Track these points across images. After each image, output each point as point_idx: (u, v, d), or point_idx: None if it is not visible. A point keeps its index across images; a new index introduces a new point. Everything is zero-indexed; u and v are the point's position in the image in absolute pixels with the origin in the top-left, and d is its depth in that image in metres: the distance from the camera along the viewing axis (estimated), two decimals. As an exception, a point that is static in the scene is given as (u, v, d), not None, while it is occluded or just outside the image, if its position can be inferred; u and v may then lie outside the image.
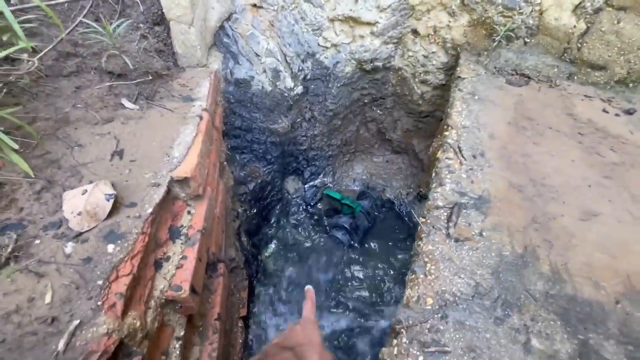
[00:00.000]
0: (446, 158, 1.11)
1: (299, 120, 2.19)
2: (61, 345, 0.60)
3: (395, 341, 0.64)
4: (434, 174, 1.07)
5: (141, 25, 1.58)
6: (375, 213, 2.32)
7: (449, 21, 1.87)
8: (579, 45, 1.55)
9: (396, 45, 2.11)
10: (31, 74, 1.13)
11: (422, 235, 0.85)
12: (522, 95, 1.50)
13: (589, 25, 1.50)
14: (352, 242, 2.14)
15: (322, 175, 2.44)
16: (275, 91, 2.00)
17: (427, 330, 0.65)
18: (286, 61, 2.05)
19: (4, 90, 1.01)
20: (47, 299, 0.67)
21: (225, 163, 1.77)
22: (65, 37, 1.30)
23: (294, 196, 2.36)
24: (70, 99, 1.17)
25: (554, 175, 1.05)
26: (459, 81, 1.63)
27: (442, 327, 0.65)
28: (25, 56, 1.17)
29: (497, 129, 1.26)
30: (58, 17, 1.38)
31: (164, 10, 1.49)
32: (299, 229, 2.23)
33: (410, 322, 0.66)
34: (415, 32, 2.02)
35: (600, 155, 1.15)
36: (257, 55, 1.97)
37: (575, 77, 1.59)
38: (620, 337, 0.65)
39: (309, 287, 0.88)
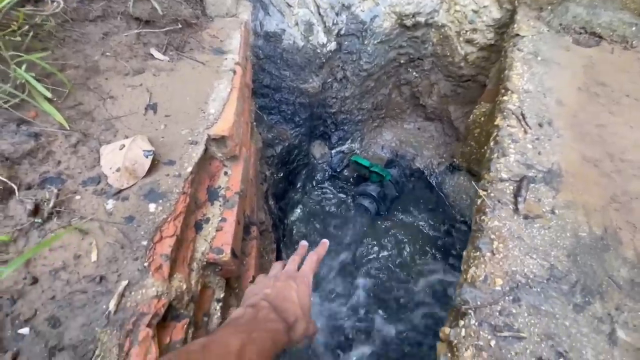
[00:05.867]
0: (508, 126, 0.99)
1: (330, 80, 2.05)
2: (112, 305, 0.58)
3: (462, 322, 0.59)
4: (493, 143, 0.97)
5: (167, -34, 1.43)
6: (404, 182, 2.24)
7: (509, -31, 1.63)
8: (668, -1, 1.33)
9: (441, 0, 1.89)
10: (56, 17, 1.04)
11: (486, 209, 0.77)
12: (593, 58, 1.32)
13: (685, -27, 1.27)
14: (379, 211, 2.08)
15: (349, 141, 2.34)
16: (307, 47, 1.85)
17: (497, 313, 0.59)
18: (319, 13, 1.88)
19: (30, 33, 0.93)
20: (93, 257, 0.64)
21: (254, 124, 1.69)
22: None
23: (320, 161, 2.29)
24: (99, 46, 1.08)
25: (635, 150, 0.93)
26: (517, 40, 1.44)
27: (514, 311, 0.60)
28: (49, -4, 1.07)
29: (566, 94, 1.11)
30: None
31: (192, -51, 1.34)
32: (325, 195, 2.18)
33: (479, 302, 0.60)
34: (466, -18, 1.79)
35: (688, 129, 1.01)
36: (289, 5, 1.80)
37: (657, 38, 1.38)
38: None
39: (324, 241, 0.84)
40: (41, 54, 0.86)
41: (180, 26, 1.30)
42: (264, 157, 1.87)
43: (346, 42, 1.97)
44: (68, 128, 0.82)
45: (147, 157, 0.80)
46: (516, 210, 0.75)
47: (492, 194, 0.80)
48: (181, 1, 1.41)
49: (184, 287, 0.69)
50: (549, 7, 1.58)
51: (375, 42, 1.98)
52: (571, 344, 0.56)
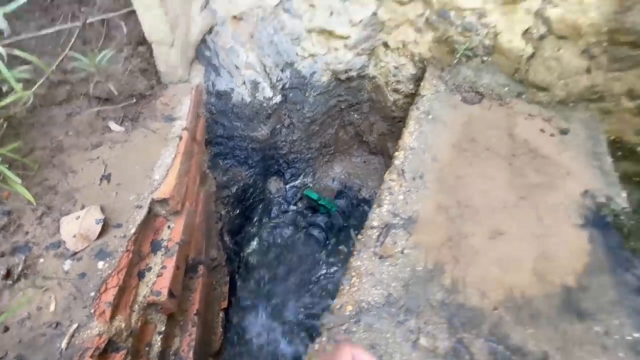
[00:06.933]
0: (390, 180, 1.29)
1: (278, 127, 2.35)
2: (64, 344, 0.80)
3: (317, 339, 0.85)
4: (377, 194, 1.26)
5: (125, 46, 1.71)
6: (351, 211, 2.52)
7: (416, 37, 2.00)
8: (527, 67, 1.69)
9: (369, 56, 2.24)
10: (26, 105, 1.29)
11: (355, 252, 1.04)
12: (473, 115, 1.66)
13: (535, 49, 1.64)
14: (327, 240, 2.35)
15: (302, 176, 2.62)
16: (255, 101, 2.14)
17: (342, 332, 0.85)
18: (265, 71, 2.19)
19: (5, 125, 1.17)
20: (52, 308, 0.87)
21: (207, 171, 1.94)
22: (55, 66, 1.44)
23: (276, 196, 2.55)
24: (63, 126, 1.33)
25: (478, 197, 1.23)
26: (418, 99, 1.78)
27: (354, 329, 0.86)
28: (20, 87, 1.31)
29: (441, 151, 1.43)
30: (48, 44, 1.53)
31: (145, 34, 1.62)
32: (280, 226, 2.43)
33: (331, 325, 0.86)
34: (386, 44, 2.14)
35: (525, 176, 1.33)
36: (237, 67, 2.10)
37: (523, 96, 1.74)
38: (489, 336, 0.85)
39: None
40: (12, 146, 1.09)
41: (135, 100, 1.56)
42: (220, 198, 2.12)
43: (291, 94, 2.28)
44: (35, 203, 1.06)
45: (98, 224, 1.04)
46: (375, 252, 1.03)
47: (362, 239, 1.08)
48: (138, 75, 1.68)
49: (123, 325, 0.92)
50: (448, 68, 1.94)
51: (316, 93, 2.30)
52: (386, 350, 0.82)
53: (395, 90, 2.32)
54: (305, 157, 2.57)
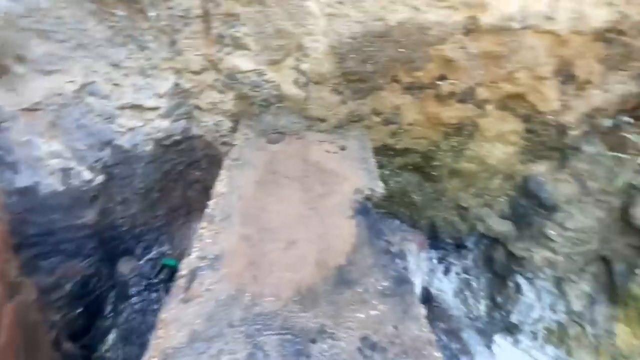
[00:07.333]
0: (201, 228, 1.43)
1: (110, 205, 2.25)
2: None
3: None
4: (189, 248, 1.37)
5: None
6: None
7: (221, 97, 2.29)
8: (307, 106, 2.16)
9: (188, 120, 2.43)
10: None
11: (164, 305, 1.11)
12: (275, 152, 1.99)
13: (306, 93, 2.12)
14: (196, 301, 2.30)
15: (157, 246, 2.53)
16: (70, 188, 2.03)
17: (147, 385, 0.90)
18: (77, 155, 2.11)
19: None
20: None
21: (19, 279, 1.71)
22: None
23: (130, 276, 2.37)
24: None
25: (276, 219, 1.48)
26: (230, 149, 2.03)
27: (158, 377, 0.92)
28: None
29: (247, 189, 1.66)
30: None
31: None
32: (141, 307, 2.26)
33: (135, 384, 0.90)
34: (199, 107, 2.38)
35: (313, 190, 1.67)
36: (39, 159, 1.97)
37: (313, 128, 2.19)
38: (280, 330, 1.04)
39: None
40: None
41: None
42: (49, 303, 1.86)
43: (116, 170, 2.25)
44: None
45: None
46: (182, 299, 1.13)
47: (172, 290, 1.16)
48: None
49: None
50: (254, 117, 2.28)
51: (143, 164, 2.33)
52: (189, 383, 0.91)
53: (224, 143, 2.55)
54: (155, 226, 2.51)
